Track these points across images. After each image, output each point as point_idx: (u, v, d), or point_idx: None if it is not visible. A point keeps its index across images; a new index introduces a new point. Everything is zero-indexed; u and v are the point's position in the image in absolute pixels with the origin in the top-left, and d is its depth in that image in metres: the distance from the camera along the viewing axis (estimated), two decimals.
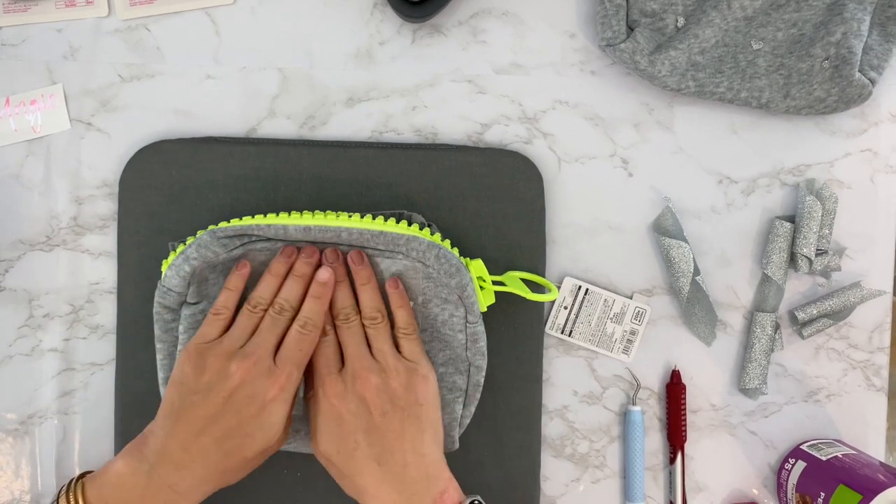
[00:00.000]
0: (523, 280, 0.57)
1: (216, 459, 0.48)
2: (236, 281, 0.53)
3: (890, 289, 0.62)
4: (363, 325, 0.53)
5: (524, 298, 0.55)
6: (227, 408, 0.48)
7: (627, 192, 0.61)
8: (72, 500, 0.47)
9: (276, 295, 0.52)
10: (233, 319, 0.52)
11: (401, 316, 0.53)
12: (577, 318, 0.60)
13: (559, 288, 0.60)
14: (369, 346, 0.52)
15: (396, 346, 0.53)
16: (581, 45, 0.61)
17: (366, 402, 0.49)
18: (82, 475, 0.49)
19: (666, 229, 0.60)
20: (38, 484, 0.59)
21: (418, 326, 0.54)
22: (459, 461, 0.58)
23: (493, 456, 0.59)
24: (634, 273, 0.61)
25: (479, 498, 0.48)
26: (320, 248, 0.54)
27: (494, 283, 0.56)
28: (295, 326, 0.52)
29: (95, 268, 0.60)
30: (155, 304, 0.53)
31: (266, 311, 0.52)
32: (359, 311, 0.53)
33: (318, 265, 0.53)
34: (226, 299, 0.52)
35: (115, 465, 0.48)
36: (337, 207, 0.57)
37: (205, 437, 0.48)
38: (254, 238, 0.53)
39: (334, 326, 0.53)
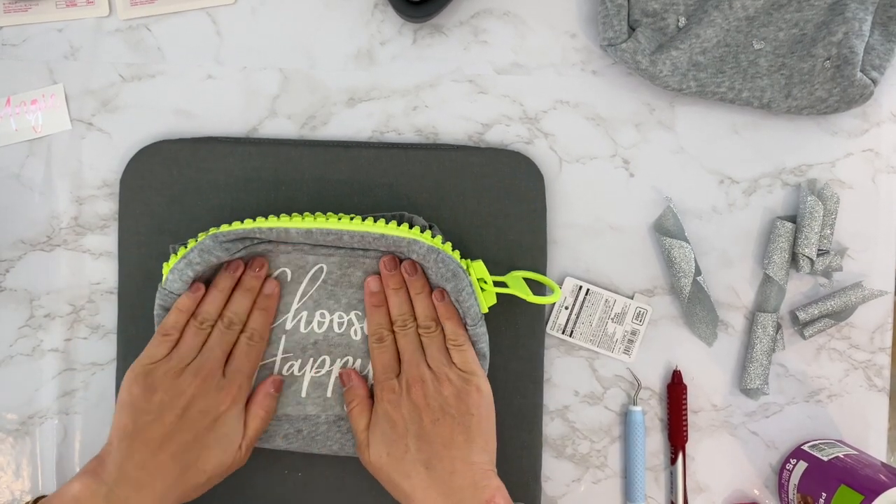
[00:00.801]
0: (526, 280, 0.57)
1: (175, 475, 0.49)
2: (188, 303, 0.53)
3: (891, 289, 0.62)
4: (420, 336, 0.54)
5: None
6: (181, 424, 0.49)
7: (629, 192, 0.61)
8: None
9: (221, 310, 0.53)
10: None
11: (450, 327, 0.53)
12: (577, 318, 0.60)
13: (560, 288, 0.60)
14: (423, 353, 0.53)
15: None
16: (582, 45, 0.61)
17: (418, 409, 0.51)
18: (37, 499, 0.50)
19: (667, 229, 0.60)
20: (38, 484, 0.59)
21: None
22: None
23: None
24: (635, 273, 0.61)
25: None
26: (380, 255, 0.54)
27: (497, 283, 0.56)
28: (243, 338, 0.53)
29: (96, 268, 0.60)
30: (156, 307, 0.53)
31: (213, 326, 0.52)
32: (415, 319, 0.54)
33: (266, 278, 0.54)
34: (175, 320, 0.52)
35: (72, 489, 0.48)
36: (338, 208, 0.57)
37: (162, 454, 0.48)
38: (255, 241, 0.53)
39: (392, 332, 0.54)
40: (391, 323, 0.54)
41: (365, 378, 0.55)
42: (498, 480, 0.50)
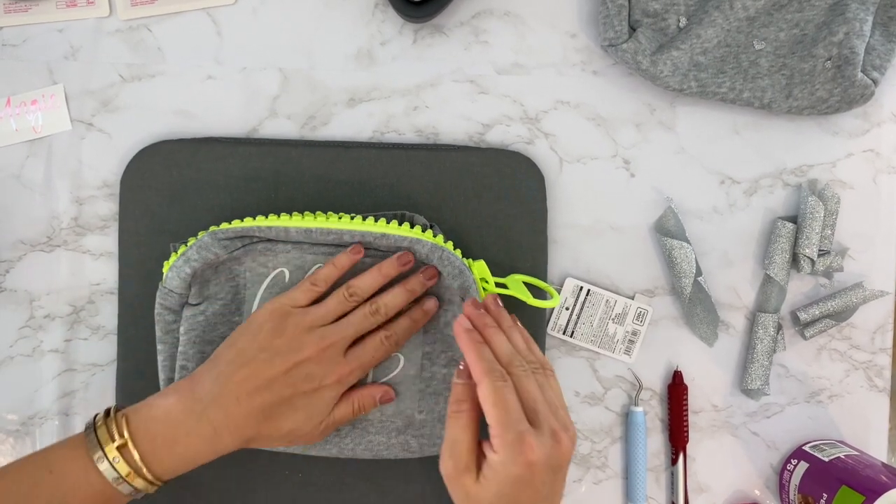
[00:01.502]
0: (526, 284, 0.57)
1: (259, 419, 0.48)
2: (345, 261, 0.52)
3: (892, 289, 0.61)
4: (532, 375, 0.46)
5: None
6: (286, 377, 0.49)
7: (629, 192, 0.61)
8: (114, 432, 0.46)
9: (373, 293, 0.52)
10: (325, 296, 0.52)
11: (540, 357, 0.49)
12: (578, 318, 0.60)
13: (560, 291, 0.60)
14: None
15: None
16: (583, 45, 0.61)
17: (557, 472, 0.43)
18: (118, 408, 0.48)
19: (668, 230, 0.60)
20: None
21: None
22: None
23: None
24: (636, 273, 0.61)
25: None
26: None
27: (497, 285, 0.56)
28: (381, 334, 0.52)
29: (96, 268, 0.60)
30: (156, 306, 0.53)
31: (359, 304, 0.52)
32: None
33: (429, 296, 0.54)
34: (328, 274, 0.52)
35: (166, 401, 0.48)
36: (338, 208, 0.57)
37: (257, 396, 0.48)
38: (255, 239, 0.53)
39: (509, 374, 0.45)
40: (505, 366, 0.46)
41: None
42: None
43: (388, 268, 0.53)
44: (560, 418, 0.44)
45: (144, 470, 0.46)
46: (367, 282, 0.52)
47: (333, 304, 0.51)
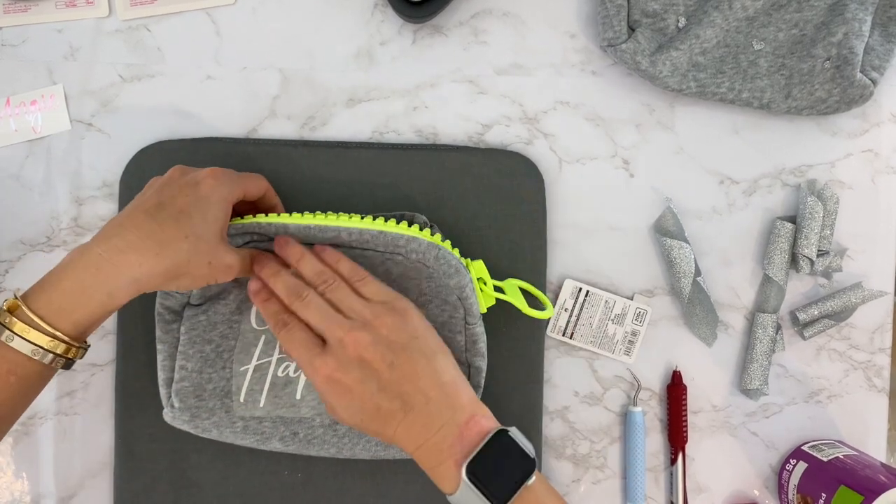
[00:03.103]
0: (523, 291, 0.57)
1: (151, 230, 0.46)
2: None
3: (891, 289, 0.62)
4: (321, 295, 0.50)
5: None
6: (165, 187, 0.49)
7: (628, 192, 0.61)
8: (11, 320, 0.44)
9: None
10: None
11: (344, 268, 0.51)
12: (577, 319, 0.60)
13: (558, 295, 0.60)
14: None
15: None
16: (582, 46, 0.61)
17: (367, 362, 0.47)
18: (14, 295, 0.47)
19: (667, 230, 0.60)
20: (38, 485, 0.59)
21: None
22: None
23: None
24: (635, 274, 0.61)
25: (508, 429, 0.46)
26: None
27: (494, 288, 0.56)
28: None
29: None
30: (157, 305, 0.53)
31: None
32: (309, 287, 0.50)
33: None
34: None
35: (54, 268, 0.46)
36: (337, 208, 0.57)
37: (138, 213, 0.47)
38: (255, 238, 0.53)
39: (291, 313, 0.50)
40: (286, 307, 0.50)
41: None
42: (471, 397, 0.48)
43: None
44: (344, 324, 0.47)
45: (45, 325, 0.44)
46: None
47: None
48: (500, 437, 0.46)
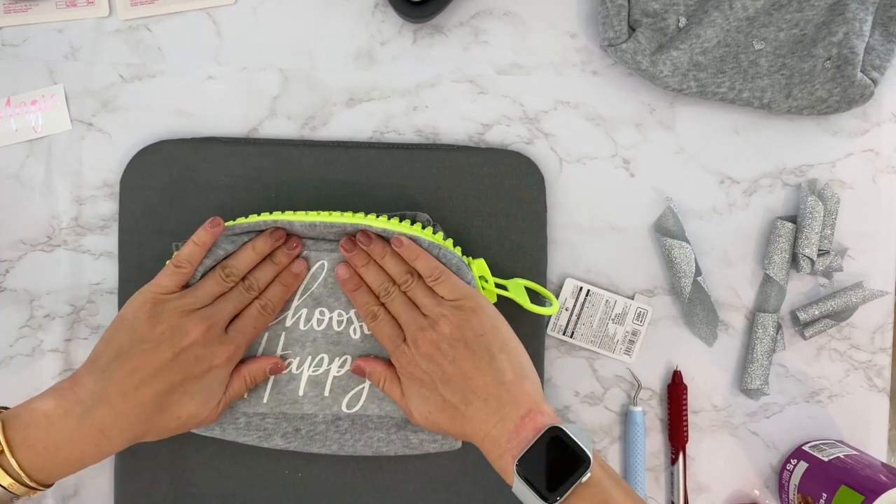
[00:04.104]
0: (527, 288, 0.57)
1: (151, 412, 0.48)
2: (204, 237, 0.52)
3: (892, 289, 0.62)
4: (403, 293, 0.53)
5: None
6: (174, 363, 0.49)
7: (629, 192, 0.61)
8: None
9: (248, 271, 0.53)
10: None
11: (421, 265, 0.53)
12: (578, 319, 0.60)
13: (559, 293, 0.60)
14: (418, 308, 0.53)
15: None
16: (582, 46, 0.61)
17: (433, 358, 0.50)
18: None
19: (667, 230, 0.60)
20: None
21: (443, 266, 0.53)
22: (461, 462, 0.58)
23: None
24: (636, 273, 0.61)
25: (563, 425, 0.47)
26: (346, 234, 0.54)
27: (497, 285, 0.56)
28: (256, 305, 0.53)
29: (96, 268, 0.60)
30: None
31: (236, 284, 0.52)
32: (394, 283, 0.53)
33: (296, 258, 0.54)
34: (190, 253, 0.52)
35: (44, 405, 0.47)
36: (338, 208, 0.57)
37: (146, 388, 0.48)
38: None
39: (382, 305, 0.54)
40: (377, 298, 0.54)
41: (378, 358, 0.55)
42: (534, 394, 0.49)
43: (262, 245, 0.53)
44: (417, 323, 0.51)
45: (24, 477, 0.45)
46: (241, 260, 0.53)
47: (210, 284, 0.52)
48: (553, 433, 0.46)
